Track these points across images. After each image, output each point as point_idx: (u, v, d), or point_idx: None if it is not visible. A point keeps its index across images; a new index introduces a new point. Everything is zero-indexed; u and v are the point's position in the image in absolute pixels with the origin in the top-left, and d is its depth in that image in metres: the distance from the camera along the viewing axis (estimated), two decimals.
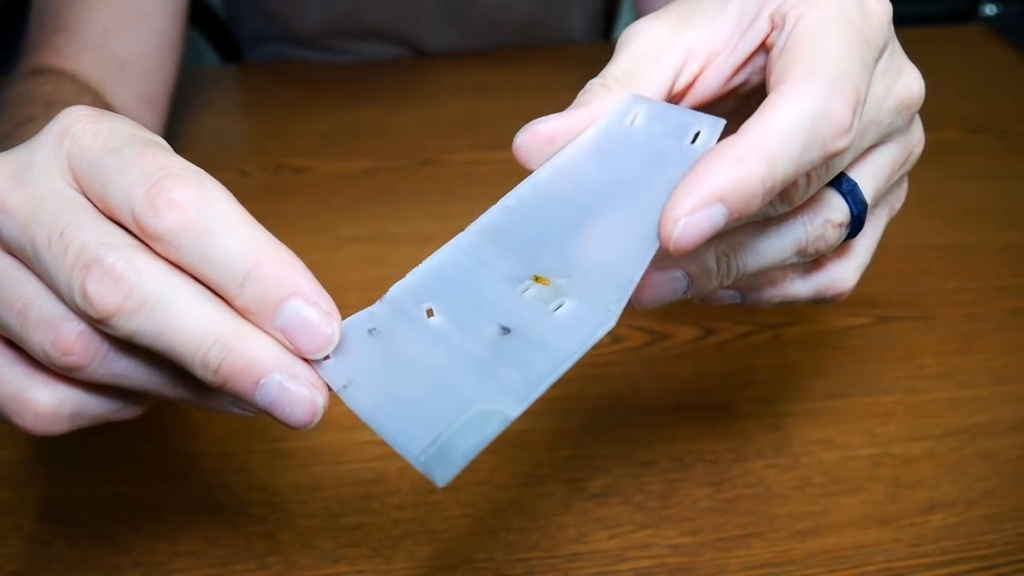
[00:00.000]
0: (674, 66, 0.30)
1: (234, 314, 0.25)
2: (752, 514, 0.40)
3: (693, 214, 0.25)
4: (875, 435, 0.43)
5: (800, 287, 0.33)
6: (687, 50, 0.30)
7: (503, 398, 0.25)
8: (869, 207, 0.31)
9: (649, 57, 0.30)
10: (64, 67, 0.53)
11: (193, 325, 0.24)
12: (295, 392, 0.25)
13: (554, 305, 0.26)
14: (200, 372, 0.24)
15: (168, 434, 0.42)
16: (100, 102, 0.52)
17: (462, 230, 0.30)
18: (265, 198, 0.59)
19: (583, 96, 0.29)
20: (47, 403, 0.26)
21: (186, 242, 0.24)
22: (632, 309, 0.52)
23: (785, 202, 0.29)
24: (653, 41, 0.30)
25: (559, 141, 0.29)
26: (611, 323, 0.25)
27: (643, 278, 0.27)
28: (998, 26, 0.81)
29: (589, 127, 0.28)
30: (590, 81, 0.30)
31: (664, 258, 0.28)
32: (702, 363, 0.47)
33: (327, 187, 0.61)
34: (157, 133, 0.57)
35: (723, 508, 0.40)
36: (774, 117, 0.25)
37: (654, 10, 0.33)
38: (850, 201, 0.30)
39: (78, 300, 0.24)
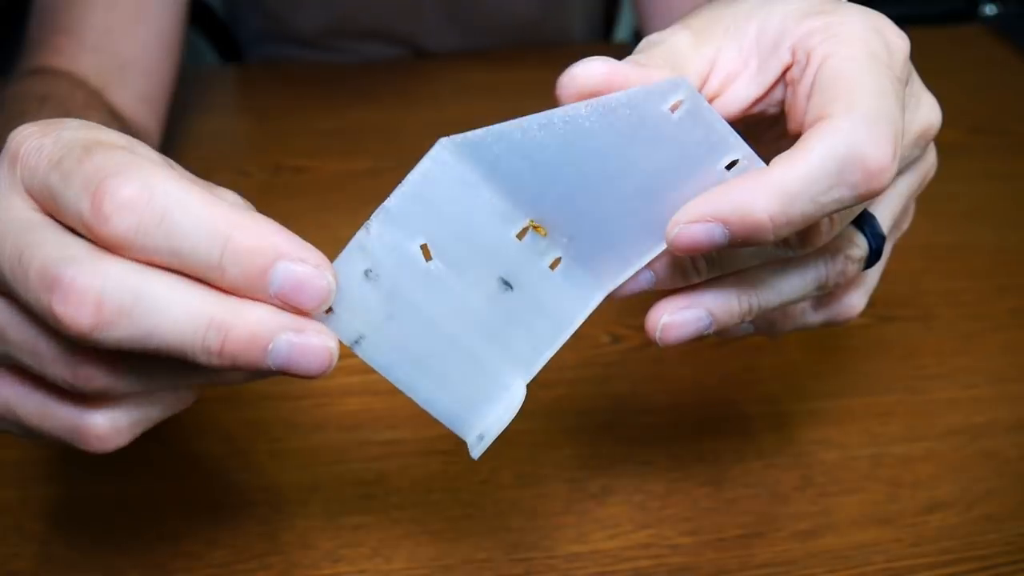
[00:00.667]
0: (700, 75, 0.30)
1: (218, 292, 0.24)
2: (752, 514, 0.39)
3: (692, 224, 0.26)
4: (875, 435, 0.43)
5: (812, 317, 0.33)
6: (711, 62, 0.30)
7: (515, 368, 0.28)
8: (886, 238, 0.31)
9: (680, 61, 0.29)
10: (64, 67, 0.53)
11: (180, 316, 0.23)
12: (306, 344, 0.24)
13: (549, 259, 0.27)
14: (204, 359, 0.24)
15: (168, 434, 0.42)
16: (96, 98, 0.52)
17: None
18: (265, 198, 0.59)
19: (639, 56, 0.28)
20: (104, 425, 0.27)
21: (147, 240, 0.23)
22: (631, 309, 0.52)
23: (807, 244, 0.29)
24: (678, 50, 0.30)
25: (600, 89, 0.27)
26: (600, 297, 0.28)
27: (670, 317, 0.29)
28: (998, 26, 0.81)
29: (629, 88, 0.27)
30: (647, 39, 0.29)
31: (689, 301, 0.29)
32: (702, 363, 0.47)
33: (327, 187, 0.61)
34: (157, 133, 0.57)
35: (723, 508, 0.40)
36: (803, 156, 0.26)
37: (656, 10, 0.33)
38: (869, 235, 0.31)
39: (51, 322, 0.23)
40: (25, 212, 0.24)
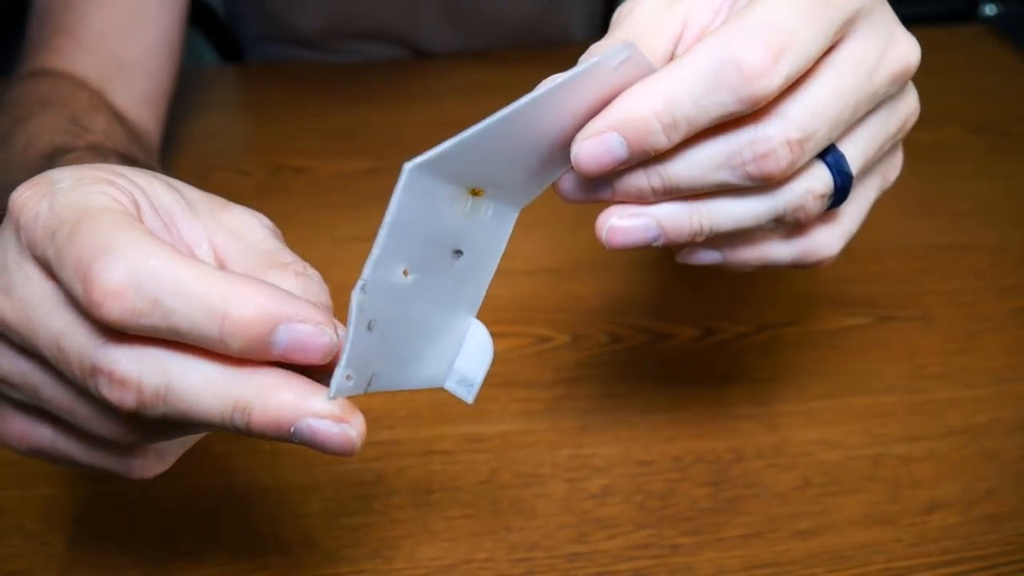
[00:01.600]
0: (673, 35, 0.30)
1: (244, 370, 0.25)
2: (752, 514, 0.39)
3: (590, 140, 0.27)
4: (875, 435, 0.43)
5: (781, 250, 0.32)
6: (683, 20, 0.30)
7: (468, 312, 0.29)
8: (856, 177, 0.30)
9: (649, 28, 0.30)
10: (64, 68, 0.53)
11: (209, 398, 0.24)
12: (328, 432, 0.25)
13: (485, 212, 0.27)
14: (233, 431, 0.25)
15: None
16: (98, 99, 0.52)
17: None
18: (265, 198, 0.59)
19: (586, 55, 0.29)
20: (150, 460, 0.29)
21: (145, 322, 0.23)
22: (632, 310, 0.52)
23: (765, 179, 0.29)
24: (650, 13, 0.30)
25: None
26: (514, 215, 0.29)
27: (618, 220, 0.30)
28: (998, 26, 0.81)
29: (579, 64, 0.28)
30: (619, 11, 0.30)
31: (639, 210, 0.30)
32: (702, 363, 0.47)
33: (327, 187, 0.61)
34: (157, 134, 0.57)
35: (723, 508, 0.40)
36: (684, 60, 0.27)
37: None
38: (834, 172, 0.30)
39: (101, 400, 0.25)
40: (42, 284, 0.25)
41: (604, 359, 0.47)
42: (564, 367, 0.47)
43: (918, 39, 0.31)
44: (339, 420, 0.25)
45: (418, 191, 0.25)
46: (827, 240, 0.32)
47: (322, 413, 0.25)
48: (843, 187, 0.30)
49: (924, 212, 0.58)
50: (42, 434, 0.28)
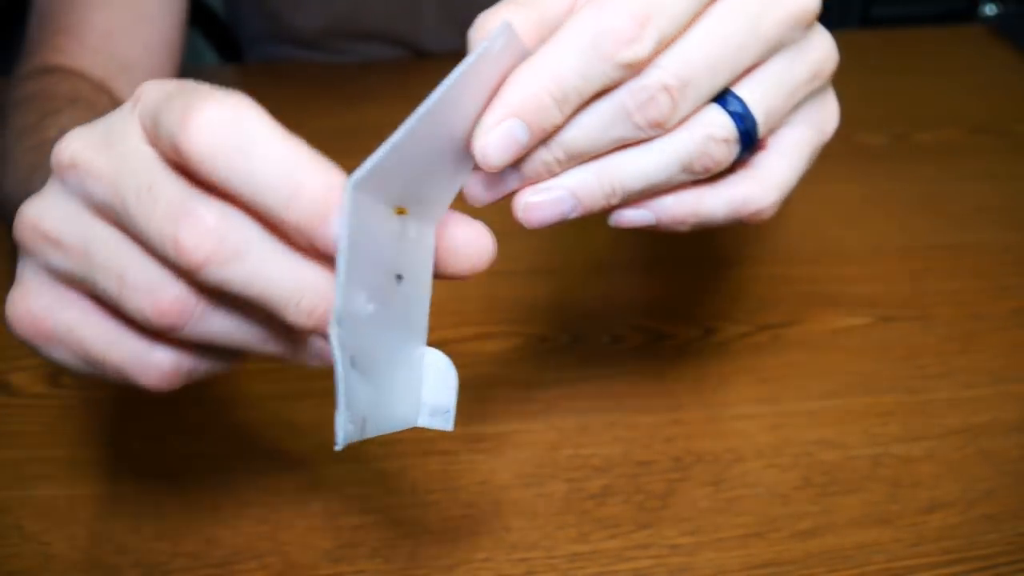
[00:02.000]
0: (568, 3, 0.30)
1: (320, 263, 0.25)
2: (752, 514, 0.39)
3: (493, 132, 0.28)
4: (875, 435, 0.43)
5: (711, 203, 0.32)
6: None
7: (420, 342, 0.29)
8: (762, 122, 0.31)
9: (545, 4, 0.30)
10: (70, 66, 0.53)
11: (286, 273, 0.25)
12: None
13: (411, 231, 0.27)
14: (293, 315, 0.25)
15: (168, 434, 0.42)
16: (113, 102, 0.52)
17: None
18: None
19: (473, 29, 0.31)
20: (168, 363, 0.28)
21: (225, 162, 0.24)
22: (632, 310, 0.52)
23: (653, 124, 0.29)
24: None
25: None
26: (432, 233, 0.28)
27: (532, 196, 0.30)
28: (998, 26, 0.81)
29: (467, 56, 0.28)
30: (483, 14, 0.31)
31: (550, 183, 0.30)
32: (702, 363, 0.47)
33: None
34: None
35: (723, 508, 0.40)
36: (560, 36, 0.28)
37: None
38: (735, 118, 0.30)
39: (170, 250, 0.25)
40: (146, 147, 0.26)
41: (604, 359, 0.47)
42: (564, 367, 0.47)
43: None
44: None
45: (361, 211, 0.24)
46: (757, 190, 0.32)
47: None
48: (747, 131, 0.31)
49: (924, 212, 0.58)
50: (64, 317, 0.28)
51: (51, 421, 0.43)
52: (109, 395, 0.44)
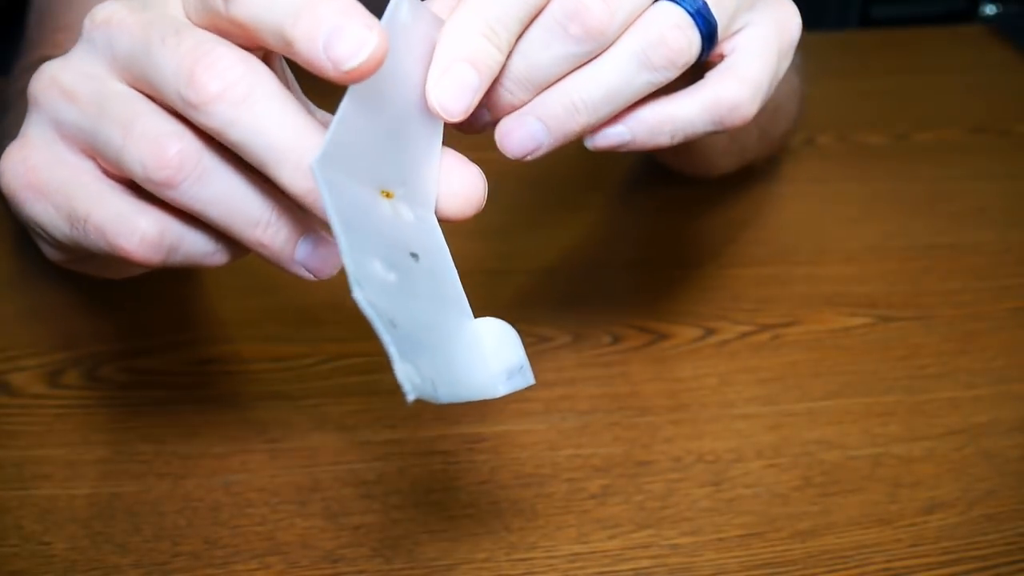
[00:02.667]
0: None
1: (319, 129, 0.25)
2: (752, 514, 0.39)
3: (444, 81, 0.28)
4: (875, 435, 0.43)
5: (687, 108, 0.32)
6: None
7: (465, 316, 0.28)
8: (722, 15, 0.31)
9: None
10: None
11: (291, 130, 0.25)
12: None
13: (407, 214, 0.27)
14: (288, 175, 0.25)
15: (168, 434, 0.42)
16: None
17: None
18: None
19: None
20: (152, 228, 0.27)
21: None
22: (632, 310, 0.52)
23: (594, 35, 0.29)
24: None
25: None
26: (433, 218, 0.28)
27: (504, 124, 0.31)
28: (998, 26, 0.81)
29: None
30: None
31: (519, 112, 0.31)
32: (702, 363, 0.47)
33: None
34: None
35: (723, 508, 0.40)
36: None
37: None
38: (683, 4, 0.30)
39: (183, 84, 0.25)
40: (180, 12, 0.27)
41: (604, 359, 0.47)
42: (564, 367, 0.47)
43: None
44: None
45: (339, 189, 0.25)
46: (732, 86, 0.32)
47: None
48: (700, 13, 0.30)
49: (924, 212, 0.58)
50: (59, 173, 0.28)
51: (51, 421, 0.43)
52: (109, 395, 0.44)
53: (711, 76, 0.33)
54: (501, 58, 0.29)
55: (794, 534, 0.39)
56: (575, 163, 0.60)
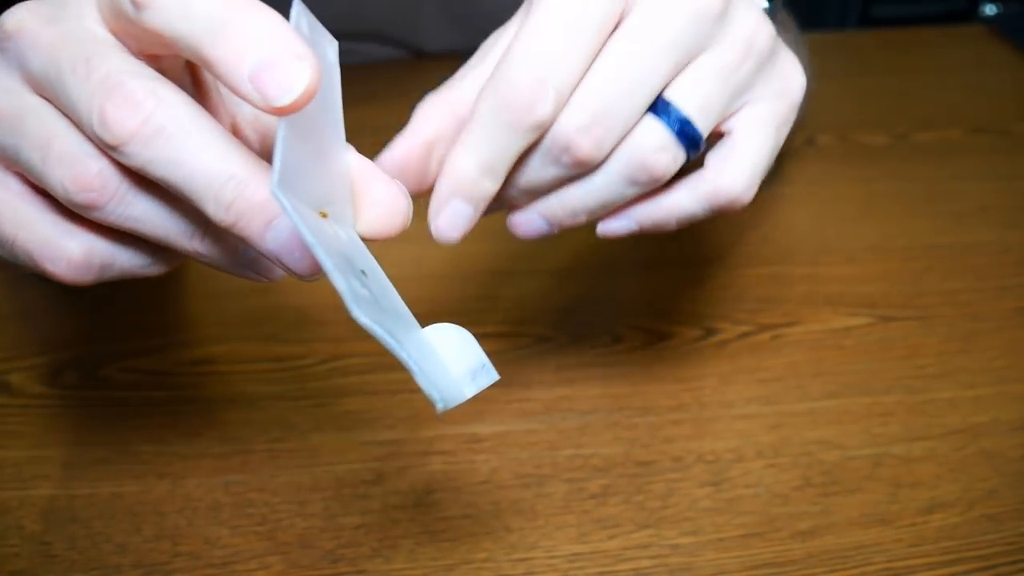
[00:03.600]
0: (493, 64, 0.32)
1: (254, 157, 0.25)
2: (752, 514, 0.39)
3: (441, 215, 0.31)
4: (875, 435, 0.43)
5: (686, 203, 0.33)
6: (506, 46, 0.32)
7: (416, 329, 0.28)
8: (698, 117, 0.31)
9: (473, 65, 0.33)
10: None
11: (210, 159, 0.24)
12: (300, 242, 0.25)
13: (340, 233, 0.27)
14: (212, 209, 0.25)
15: (168, 434, 0.42)
16: None
17: None
18: None
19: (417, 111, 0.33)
20: (79, 251, 0.27)
21: (168, 10, 0.24)
22: (632, 310, 0.52)
23: (579, 165, 0.31)
24: (483, 48, 0.34)
25: (405, 167, 0.32)
26: (356, 237, 0.28)
27: (516, 217, 0.34)
28: (998, 26, 0.81)
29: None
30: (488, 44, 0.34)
31: (527, 208, 0.34)
32: (702, 363, 0.47)
33: None
34: None
35: (723, 508, 0.40)
36: (474, 115, 0.30)
37: None
38: (666, 120, 0.31)
39: (96, 124, 0.24)
40: (96, 26, 0.26)
41: (604, 359, 0.47)
42: (564, 367, 0.47)
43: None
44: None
45: (301, 211, 0.24)
46: (725, 180, 0.33)
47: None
48: (685, 131, 0.31)
49: (924, 212, 0.58)
50: None
51: (51, 421, 0.43)
52: (109, 395, 0.44)
53: (709, 165, 0.33)
54: (496, 188, 0.31)
55: (794, 534, 0.39)
56: None
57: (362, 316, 0.24)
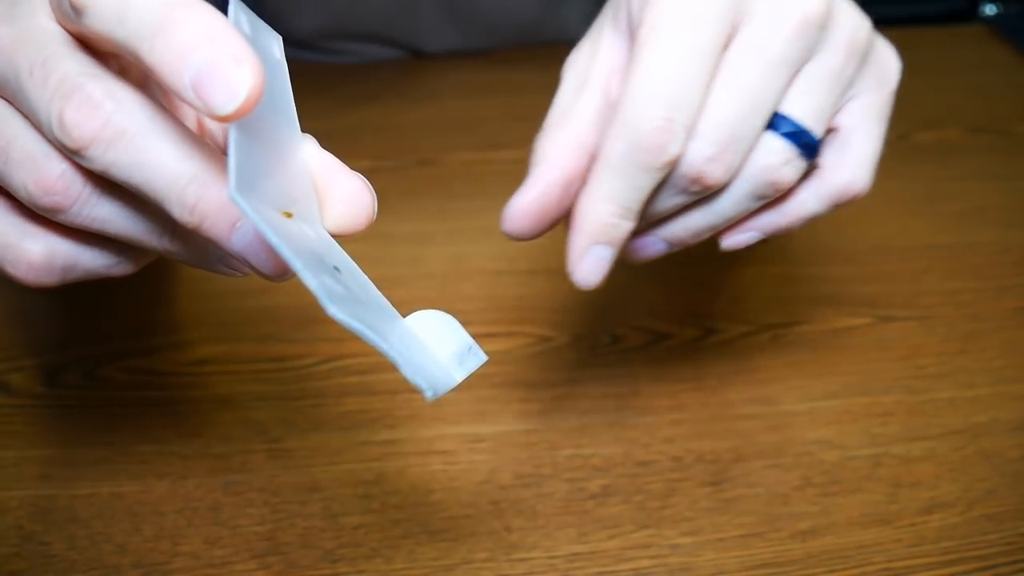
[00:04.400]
0: (599, 91, 0.32)
1: (218, 157, 0.24)
2: (752, 514, 0.39)
3: (583, 261, 0.32)
4: (875, 435, 0.43)
5: (810, 204, 0.34)
6: (607, 69, 0.33)
7: (396, 318, 0.28)
8: (815, 125, 0.32)
9: (577, 91, 0.33)
10: None
11: (171, 160, 0.24)
12: (268, 245, 0.25)
13: (307, 231, 0.26)
14: (176, 211, 0.24)
15: (168, 434, 0.42)
16: None
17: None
18: None
19: (532, 155, 0.32)
20: (39, 253, 0.26)
21: (104, 14, 0.23)
22: (632, 310, 0.52)
23: (712, 188, 0.31)
24: (577, 72, 0.33)
25: (534, 215, 0.32)
26: (324, 232, 0.28)
27: (634, 241, 0.34)
28: (998, 26, 0.81)
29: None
30: (537, 139, 0.33)
31: (646, 233, 0.34)
32: (702, 363, 0.47)
33: None
34: None
35: (723, 508, 0.40)
36: (604, 158, 0.30)
37: None
38: (786, 134, 0.31)
39: (55, 128, 0.24)
40: (52, 24, 0.25)
41: (604, 359, 0.47)
42: (564, 367, 0.47)
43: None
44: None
45: (263, 213, 0.24)
46: (846, 176, 0.34)
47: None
48: (805, 142, 0.31)
49: (924, 212, 0.58)
50: None
51: (50, 421, 0.43)
52: (109, 395, 0.44)
53: (827, 164, 0.34)
54: (633, 226, 0.32)
55: (794, 534, 0.39)
56: None
57: (338, 312, 0.23)
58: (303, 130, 0.27)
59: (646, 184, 0.30)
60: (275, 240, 0.23)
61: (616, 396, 0.45)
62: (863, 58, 0.33)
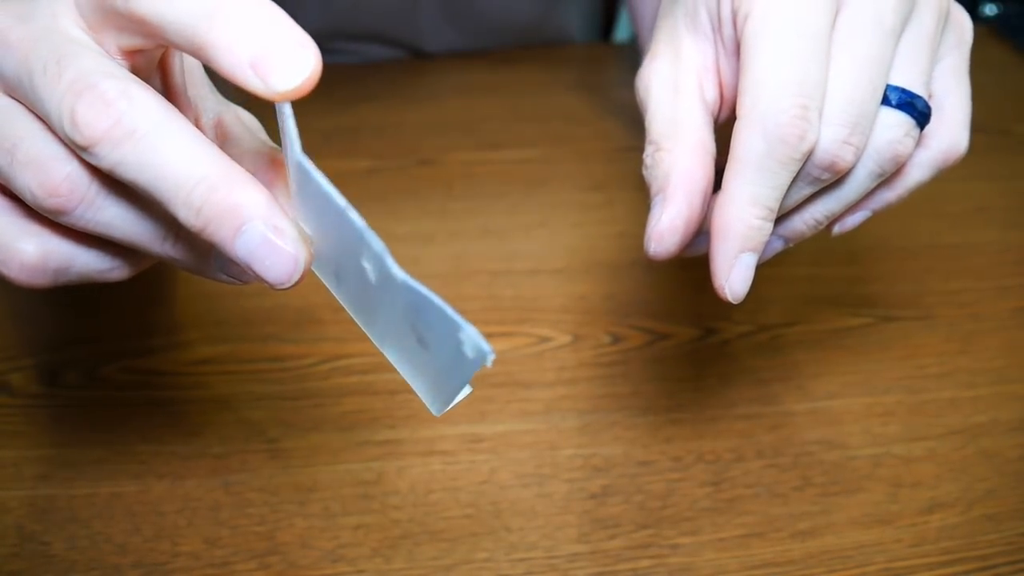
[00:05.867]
0: (695, 94, 0.32)
1: (226, 159, 0.24)
2: (752, 514, 0.39)
3: (735, 272, 0.31)
4: (875, 435, 0.43)
5: (917, 173, 0.34)
6: (695, 72, 0.32)
7: None
8: (925, 92, 0.31)
9: (673, 98, 0.32)
10: None
11: (181, 161, 0.24)
12: (276, 245, 0.24)
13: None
14: (182, 213, 0.24)
15: (168, 434, 0.42)
16: None
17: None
18: None
19: (652, 172, 0.32)
20: (33, 253, 0.26)
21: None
22: (633, 310, 0.52)
23: (843, 171, 0.31)
24: (664, 81, 0.32)
25: (683, 230, 0.32)
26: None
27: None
28: (998, 26, 0.81)
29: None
30: (645, 154, 0.32)
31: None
32: (702, 363, 0.47)
33: None
34: None
35: (723, 508, 0.40)
36: (739, 160, 0.29)
37: (647, 11, 0.34)
38: (905, 108, 0.31)
39: (66, 124, 0.24)
40: (72, 27, 0.25)
41: (605, 359, 0.47)
42: (564, 367, 0.47)
43: None
44: (296, 241, 0.25)
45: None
46: (949, 139, 0.34)
47: (285, 229, 0.25)
48: (920, 111, 0.31)
49: (924, 212, 0.58)
50: None
51: (51, 421, 0.43)
52: (108, 395, 0.44)
53: (928, 131, 0.34)
54: (772, 225, 0.31)
55: (794, 534, 0.39)
56: (575, 164, 0.60)
57: (403, 274, 0.24)
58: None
59: (785, 180, 0.30)
60: (342, 203, 0.24)
61: (616, 396, 0.45)
62: (945, 20, 0.33)
